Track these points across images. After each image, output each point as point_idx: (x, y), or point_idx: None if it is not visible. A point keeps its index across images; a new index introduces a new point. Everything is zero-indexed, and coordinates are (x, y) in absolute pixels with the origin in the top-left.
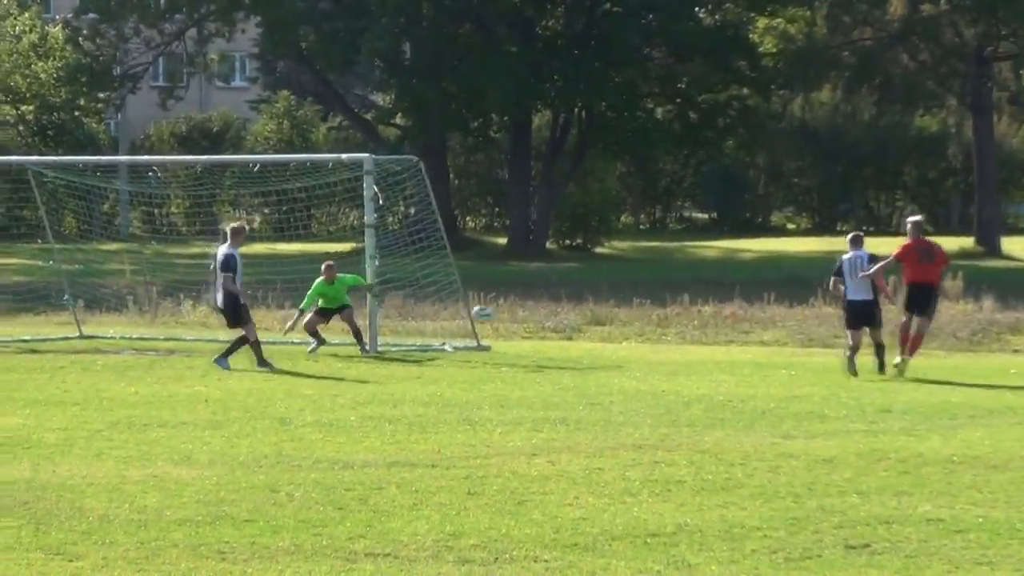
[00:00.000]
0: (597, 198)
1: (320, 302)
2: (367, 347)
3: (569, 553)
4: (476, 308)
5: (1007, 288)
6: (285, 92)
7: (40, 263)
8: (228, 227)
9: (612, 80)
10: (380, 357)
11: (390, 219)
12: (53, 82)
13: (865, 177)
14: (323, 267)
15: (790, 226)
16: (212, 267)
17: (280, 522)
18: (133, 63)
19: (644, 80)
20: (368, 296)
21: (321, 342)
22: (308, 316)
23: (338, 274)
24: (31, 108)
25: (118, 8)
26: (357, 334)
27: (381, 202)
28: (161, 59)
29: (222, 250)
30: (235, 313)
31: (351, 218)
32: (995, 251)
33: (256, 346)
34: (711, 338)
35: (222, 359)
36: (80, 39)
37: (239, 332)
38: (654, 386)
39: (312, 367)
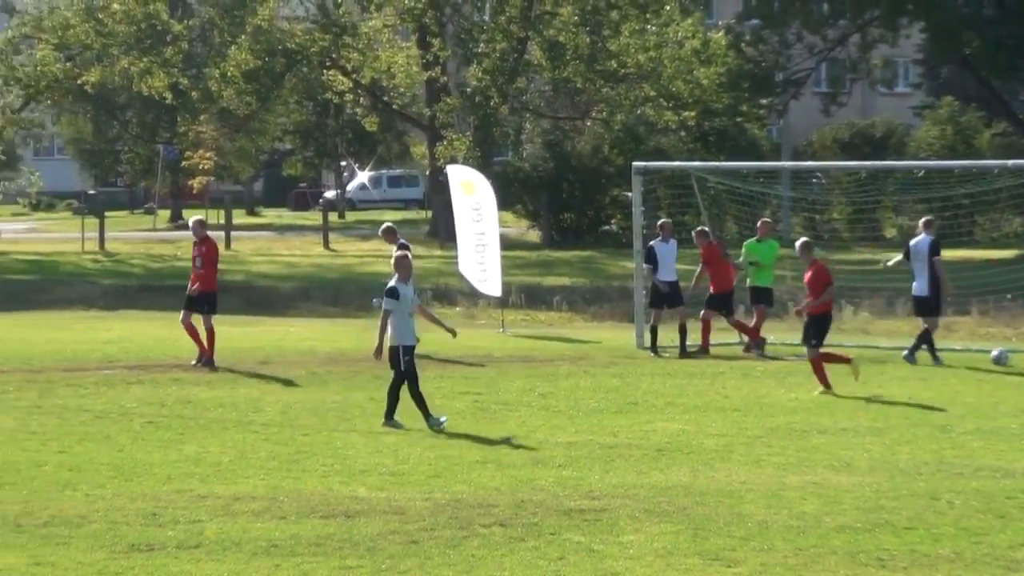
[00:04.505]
0: None
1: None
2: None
3: None
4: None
5: None
6: (949, 98)
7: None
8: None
9: None
10: None
11: None
12: (715, 88)
13: None
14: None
15: None
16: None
17: (940, 530)
18: (796, 69)
19: None
20: None
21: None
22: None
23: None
24: (693, 114)
25: (782, 14)
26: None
27: None
28: (824, 65)
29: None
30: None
31: (1014, 224)
32: None
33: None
34: None
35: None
36: (743, 45)
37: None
38: None
39: (975, 373)
